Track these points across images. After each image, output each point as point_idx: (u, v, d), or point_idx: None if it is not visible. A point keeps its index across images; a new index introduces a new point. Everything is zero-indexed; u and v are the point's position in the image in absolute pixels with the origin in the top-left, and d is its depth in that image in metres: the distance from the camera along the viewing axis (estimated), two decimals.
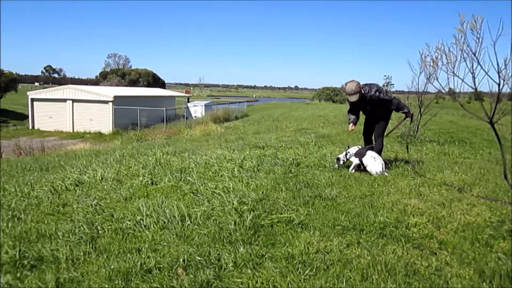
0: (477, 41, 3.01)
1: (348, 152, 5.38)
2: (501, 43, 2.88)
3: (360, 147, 5.42)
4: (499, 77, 2.95)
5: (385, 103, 5.31)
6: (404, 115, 5.51)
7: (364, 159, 5.13)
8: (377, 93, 5.24)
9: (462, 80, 3.34)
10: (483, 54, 3.01)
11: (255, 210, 3.60)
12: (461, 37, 3.12)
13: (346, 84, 5.31)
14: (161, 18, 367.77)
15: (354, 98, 5.15)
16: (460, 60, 3.26)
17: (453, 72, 3.40)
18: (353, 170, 5.23)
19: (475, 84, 3.16)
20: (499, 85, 2.99)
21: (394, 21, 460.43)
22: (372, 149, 5.28)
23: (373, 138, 5.60)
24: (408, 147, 5.83)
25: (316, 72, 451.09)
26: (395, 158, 6.06)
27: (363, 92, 5.18)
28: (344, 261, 2.65)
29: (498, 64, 2.91)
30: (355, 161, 5.29)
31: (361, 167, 5.22)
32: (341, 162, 5.43)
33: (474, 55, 3.05)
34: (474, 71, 3.09)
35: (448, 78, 3.49)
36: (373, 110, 5.39)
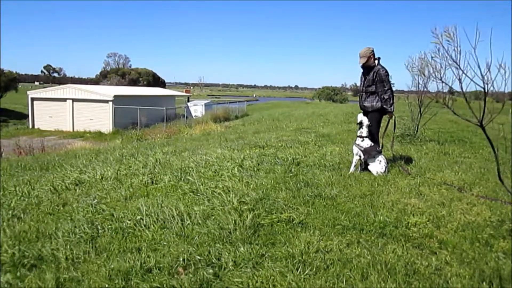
0: (456, 49, 3.06)
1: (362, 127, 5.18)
2: (482, 45, 2.93)
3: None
4: (483, 82, 3.00)
5: (383, 85, 5.24)
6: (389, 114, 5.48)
7: (369, 160, 5.10)
8: (384, 71, 5.24)
9: (450, 87, 3.40)
10: (465, 60, 3.07)
11: (255, 209, 3.60)
12: (439, 49, 3.18)
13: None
14: (161, 18, 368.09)
15: (361, 61, 5.31)
16: (446, 68, 3.30)
17: (440, 80, 3.43)
18: (353, 168, 5.21)
19: (462, 89, 3.20)
20: (484, 89, 3.02)
21: (394, 20, 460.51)
22: (381, 152, 5.19)
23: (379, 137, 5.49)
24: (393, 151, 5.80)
25: (316, 72, 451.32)
26: (395, 157, 6.06)
27: (372, 60, 5.27)
28: (344, 261, 2.66)
29: (480, 69, 2.96)
30: (360, 154, 5.12)
31: (362, 165, 5.21)
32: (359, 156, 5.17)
33: (456, 63, 3.08)
34: (460, 77, 3.13)
35: (437, 85, 3.54)
36: (369, 86, 5.32)
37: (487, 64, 2.89)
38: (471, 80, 3.04)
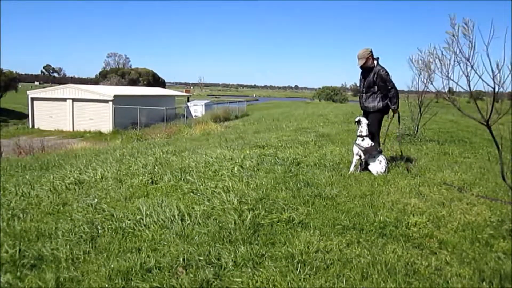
0: (470, 45, 3.02)
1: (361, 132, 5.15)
2: (494, 45, 2.89)
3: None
4: (494, 81, 2.96)
5: (386, 85, 5.22)
6: (392, 111, 5.48)
7: (369, 160, 5.10)
8: (384, 71, 5.22)
9: (457, 84, 3.37)
10: (477, 58, 3.02)
11: (255, 209, 3.60)
12: (453, 41, 3.13)
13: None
14: (161, 18, 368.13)
15: (359, 63, 5.32)
16: (454, 64, 3.27)
17: (447, 76, 3.41)
18: (353, 168, 5.20)
19: (470, 87, 3.18)
20: (494, 88, 3.00)
21: (394, 20, 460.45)
22: (381, 152, 5.18)
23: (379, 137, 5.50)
24: (401, 150, 5.79)
25: (316, 72, 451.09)
26: (395, 157, 6.06)
27: (371, 61, 5.26)
28: (344, 261, 2.65)
29: (492, 68, 2.92)
30: (360, 154, 5.11)
31: (362, 165, 5.21)
32: (360, 156, 5.15)
33: (468, 60, 3.06)
34: (469, 74, 3.10)
35: (443, 81, 3.51)
36: (369, 87, 5.32)
37: (497, 63, 2.87)
38: (480, 77, 3.01)
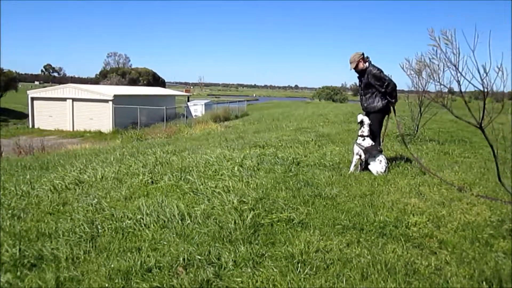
0: (455, 52, 3.05)
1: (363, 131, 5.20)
2: (484, 47, 2.91)
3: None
4: (482, 85, 2.98)
5: (382, 82, 5.24)
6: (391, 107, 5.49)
7: (369, 160, 5.11)
8: (376, 69, 5.26)
9: (448, 89, 3.40)
10: (465, 62, 3.05)
11: (255, 209, 3.60)
12: (437, 50, 3.16)
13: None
14: (161, 18, 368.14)
15: (351, 67, 5.41)
16: (444, 70, 3.30)
17: (438, 82, 3.43)
18: (353, 167, 5.21)
19: (461, 91, 3.20)
20: (483, 92, 3.02)
21: (394, 19, 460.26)
22: (382, 152, 5.21)
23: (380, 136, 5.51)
24: (406, 144, 5.77)
25: (316, 72, 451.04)
26: (395, 157, 6.06)
27: (362, 64, 5.32)
28: (344, 260, 2.66)
29: (479, 72, 2.94)
30: (360, 153, 5.14)
31: (362, 165, 5.22)
32: (361, 156, 5.17)
33: (455, 66, 3.08)
34: (459, 79, 3.12)
35: (435, 86, 3.54)
36: (366, 89, 5.36)
37: (483, 67, 2.88)
38: (469, 82, 3.04)
